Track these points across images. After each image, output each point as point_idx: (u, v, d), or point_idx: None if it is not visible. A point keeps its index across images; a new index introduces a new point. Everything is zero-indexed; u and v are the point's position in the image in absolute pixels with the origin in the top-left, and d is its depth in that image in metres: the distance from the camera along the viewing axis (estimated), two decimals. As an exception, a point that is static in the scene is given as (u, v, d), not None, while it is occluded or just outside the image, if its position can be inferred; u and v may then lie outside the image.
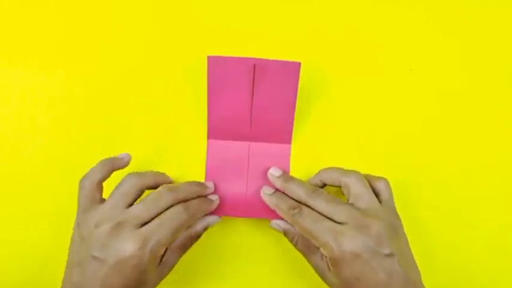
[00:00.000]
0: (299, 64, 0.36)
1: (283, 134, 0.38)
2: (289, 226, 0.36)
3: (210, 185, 0.37)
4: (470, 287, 0.39)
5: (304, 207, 0.34)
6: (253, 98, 0.37)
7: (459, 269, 0.39)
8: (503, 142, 0.40)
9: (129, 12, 0.40)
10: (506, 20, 0.41)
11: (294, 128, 0.38)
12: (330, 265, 0.33)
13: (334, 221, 0.32)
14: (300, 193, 0.35)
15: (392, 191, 0.35)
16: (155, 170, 0.37)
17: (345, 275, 0.32)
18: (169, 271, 0.34)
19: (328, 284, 0.34)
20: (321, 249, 0.33)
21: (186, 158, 0.39)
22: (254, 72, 0.36)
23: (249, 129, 0.38)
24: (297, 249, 0.36)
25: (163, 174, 0.36)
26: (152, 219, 0.31)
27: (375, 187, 0.35)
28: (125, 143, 0.39)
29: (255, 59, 0.36)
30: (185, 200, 0.34)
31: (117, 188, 0.33)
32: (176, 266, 0.35)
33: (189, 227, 0.35)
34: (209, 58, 0.35)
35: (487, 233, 0.40)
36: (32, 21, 0.40)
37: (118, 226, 0.30)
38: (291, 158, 0.39)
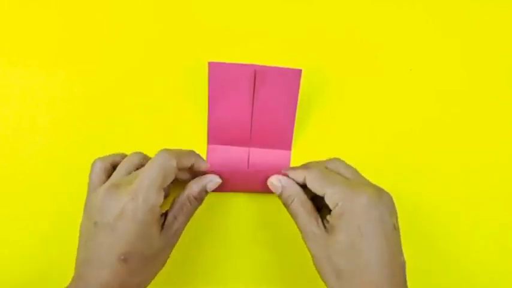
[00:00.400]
0: (300, 71, 0.36)
1: (283, 140, 0.38)
2: (290, 182, 0.35)
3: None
4: (470, 286, 0.39)
5: (299, 194, 0.34)
6: (253, 104, 0.37)
7: (459, 268, 0.39)
8: (503, 142, 0.40)
9: (129, 14, 0.40)
10: (506, 20, 0.41)
11: (294, 134, 0.38)
12: (331, 223, 0.31)
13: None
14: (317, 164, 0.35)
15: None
16: None
17: (349, 231, 0.30)
18: (177, 238, 0.33)
19: (317, 257, 0.32)
20: (329, 199, 0.31)
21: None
22: (255, 78, 0.36)
23: (249, 135, 0.38)
24: (289, 211, 0.34)
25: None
26: None
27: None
28: (125, 143, 0.39)
29: (255, 65, 0.36)
30: None
31: (119, 165, 0.33)
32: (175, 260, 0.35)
33: (181, 179, 0.35)
34: (210, 64, 0.35)
35: (487, 233, 0.40)
36: (32, 21, 0.40)
37: (111, 187, 0.31)
38: (291, 164, 0.39)
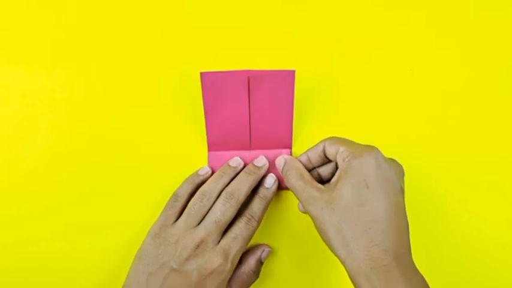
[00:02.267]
0: (293, 72, 0.36)
1: (283, 140, 0.38)
2: (292, 159, 0.36)
3: (260, 163, 0.37)
4: (472, 284, 0.39)
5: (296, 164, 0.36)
6: (250, 108, 0.37)
7: (461, 267, 0.39)
8: (504, 142, 0.40)
9: (130, 15, 0.40)
10: (506, 20, 0.41)
11: (293, 133, 0.38)
12: (335, 179, 0.31)
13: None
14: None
15: None
16: (155, 180, 0.38)
17: (354, 183, 0.30)
18: None
19: (320, 221, 0.31)
20: (340, 155, 0.32)
21: (187, 170, 0.38)
22: (249, 84, 0.36)
23: (248, 139, 0.38)
24: (289, 185, 0.34)
25: (224, 174, 0.36)
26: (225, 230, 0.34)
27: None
28: (125, 143, 0.39)
29: (248, 71, 0.36)
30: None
31: (189, 206, 0.35)
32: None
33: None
34: (202, 74, 0.35)
35: (487, 233, 0.40)
36: (32, 21, 0.40)
37: (200, 245, 0.33)
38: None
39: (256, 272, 0.36)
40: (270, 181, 0.37)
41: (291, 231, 0.39)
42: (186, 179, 0.37)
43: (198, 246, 0.33)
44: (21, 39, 0.40)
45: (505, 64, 0.41)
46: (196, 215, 0.34)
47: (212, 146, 0.38)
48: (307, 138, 0.40)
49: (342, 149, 0.32)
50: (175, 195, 0.36)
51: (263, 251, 0.37)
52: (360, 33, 0.41)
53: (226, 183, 0.36)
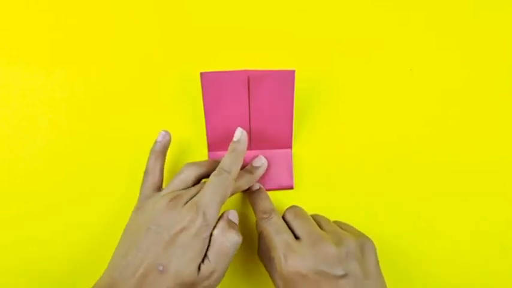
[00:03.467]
0: (293, 72, 0.36)
1: (283, 139, 0.38)
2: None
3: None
4: (472, 284, 0.39)
5: (274, 215, 0.34)
6: (250, 108, 0.37)
7: (461, 267, 0.39)
8: (504, 142, 0.40)
9: (130, 15, 0.40)
10: (506, 20, 0.41)
11: (293, 132, 0.38)
12: (280, 282, 0.32)
13: (295, 235, 0.33)
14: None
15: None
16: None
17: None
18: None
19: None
20: (275, 262, 0.32)
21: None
22: (249, 84, 0.36)
23: (248, 139, 0.38)
24: (259, 257, 0.36)
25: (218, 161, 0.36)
26: None
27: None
28: (125, 143, 0.39)
29: (248, 71, 0.36)
30: None
31: (175, 176, 0.34)
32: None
33: (233, 193, 0.35)
34: (202, 74, 0.35)
35: (487, 233, 0.40)
36: (32, 21, 0.40)
37: (173, 199, 0.32)
38: (293, 162, 0.39)
39: (230, 231, 0.33)
40: (260, 161, 0.38)
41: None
42: (150, 151, 0.36)
43: (171, 200, 0.32)
44: (21, 39, 0.40)
45: (505, 64, 0.41)
46: (183, 182, 0.34)
47: (212, 146, 0.38)
48: (307, 138, 0.40)
49: (274, 260, 0.32)
50: (145, 171, 0.36)
51: (228, 212, 0.35)
52: (360, 33, 0.41)
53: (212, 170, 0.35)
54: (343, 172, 0.40)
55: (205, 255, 0.31)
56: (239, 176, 0.35)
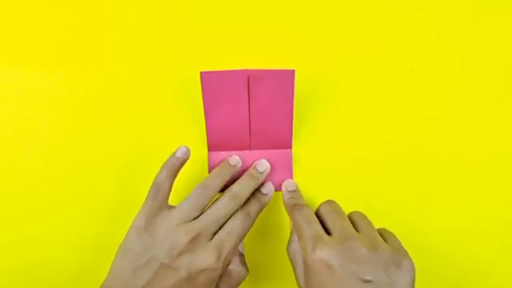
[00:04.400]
0: (293, 72, 0.36)
1: (283, 139, 0.38)
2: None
3: (262, 168, 0.37)
4: (472, 284, 0.39)
5: (306, 207, 0.34)
6: (250, 108, 0.37)
7: (461, 267, 0.39)
8: (504, 142, 0.40)
9: (130, 15, 0.40)
10: (506, 20, 0.41)
11: (293, 132, 0.38)
12: (303, 274, 0.32)
13: (326, 230, 0.32)
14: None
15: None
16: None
17: (313, 284, 0.30)
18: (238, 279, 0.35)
19: None
20: (301, 252, 0.32)
21: (188, 170, 0.38)
22: (249, 83, 0.36)
23: (248, 139, 0.38)
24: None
25: (225, 174, 0.36)
26: (220, 228, 0.33)
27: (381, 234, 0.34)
28: (125, 143, 0.39)
29: (248, 70, 0.35)
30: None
31: (187, 199, 0.34)
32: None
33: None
34: (202, 74, 0.35)
35: (487, 233, 0.40)
36: (32, 21, 0.40)
37: (195, 239, 0.32)
38: (293, 162, 0.39)
39: (241, 265, 0.34)
40: (268, 188, 0.37)
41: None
42: (164, 164, 0.34)
43: (192, 239, 0.31)
44: (21, 39, 0.40)
45: (505, 64, 0.41)
46: (195, 208, 0.33)
47: (212, 146, 0.38)
48: (307, 138, 0.40)
49: (301, 250, 0.32)
50: (155, 185, 0.33)
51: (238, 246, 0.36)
52: (360, 33, 0.41)
53: (226, 179, 0.35)
54: (343, 172, 0.40)
55: (217, 285, 0.33)
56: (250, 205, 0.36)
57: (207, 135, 0.38)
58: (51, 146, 0.39)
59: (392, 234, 0.34)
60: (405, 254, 0.31)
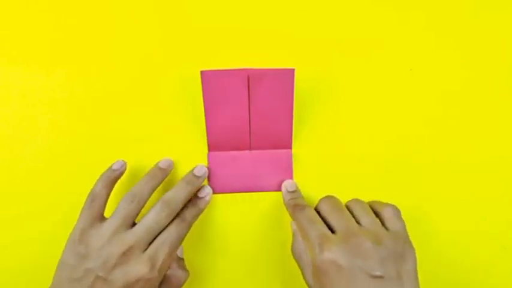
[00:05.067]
0: (293, 70, 0.36)
1: (283, 139, 0.38)
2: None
3: (200, 172, 0.37)
4: (472, 284, 0.39)
5: (308, 208, 0.34)
6: (250, 107, 0.37)
7: (460, 267, 0.39)
8: (504, 142, 0.40)
9: (129, 15, 0.40)
10: (506, 20, 0.41)
11: (293, 132, 0.38)
12: (312, 275, 0.32)
13: (330, 229, 0.32)
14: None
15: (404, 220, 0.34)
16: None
17: (323, 285, 0.30)
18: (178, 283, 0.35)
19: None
20: (308, 253, 0.32)
21: (187, 170, 0.38)
22: (249, 82, 0.36)
23: (248, 139, 0.38)
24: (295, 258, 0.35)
25: (154, 179, 0.36)
26: (155, 237, 0.33)
27: (380, 213, 0.34)
28: (125, 144, 0.39)
29: (248, 69, 0.36)
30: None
31: (117, 210, 0.33)
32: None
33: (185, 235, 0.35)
34: (202, 73, 0.35)
35: (487, 233, 0.40)
36: (32, 21, 0.40)
37: (128, 251, 0.31)
38: (293, 163, 0.39)
39: (180, 270, 0.35)
40: (205, 191, 0.37)
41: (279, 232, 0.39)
42: (101, 176, 0.35)
43: (124, 253, 0.31)
44: (21, 39, 0.40)
45: (505, 64, 0.41)
46: (125, 219, 0.33)
47: (212, 147, 0.38)
48: (307, 138, 0.40)
49: (307, 250, 0.32)
50: (91, 195, 0.34)
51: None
52: (360, 33, 0.41)
53: (156, 186, 0.35)
54: (343, 172, 0.40)
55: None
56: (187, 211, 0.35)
57: (207, 135, 0.38)
58: (51, 146, 0.39)
59: (387, 207, 0.34)
60: (406, 242, 0.32)
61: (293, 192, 0.38)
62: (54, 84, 0.39)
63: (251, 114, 0.37)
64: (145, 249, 0.32)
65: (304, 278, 0.33)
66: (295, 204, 0.35)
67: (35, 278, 0.38)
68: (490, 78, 0.41)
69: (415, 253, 0.32)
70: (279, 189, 0.39)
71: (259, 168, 0.38)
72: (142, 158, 0.39)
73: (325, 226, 0.32)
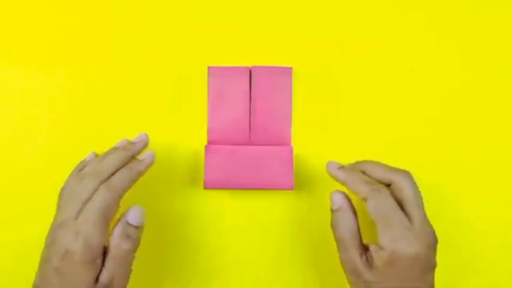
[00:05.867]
0: (290, 69, 0.38)
1: (282, 135, 0.39)
2: (348, 207, 0.33)
3: (138, 139, 0.35)
4: (472, 284, 0.39)
5: (383, 188, 0.32)
6: (251, 103, 0.38)
7: (461, 267, 0.39)
8: (504, 142, 0.40)
9: (130, 15, 0.40)
10: (506, 20, 0.41)
11: (293, 131, 0.38)
12: (376, 264, 0.31)
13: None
14: (378, 172, 0.34)
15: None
16: (155, 180, 0.38)
17: (393, 278, 0.30)
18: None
19: (356, 276, 0.32)
20: (379, 240, 0.31)
21: (188, 169, 0.38)
22: (250, 79, 0.38)
23: (248, 134, 0.38)
24: (335, 233, 0.33)
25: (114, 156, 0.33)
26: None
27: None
28: (125, 143, 0.39)
29: (250, 66, 0.38)
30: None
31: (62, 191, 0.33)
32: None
33: (118, 203, 0.32)
34: (209, 68, 0.37)
35: (487, 232, 0.40)
36: (31, 21, 0.40)
37: (61, 224, 0.30)
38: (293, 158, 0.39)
39: (123, 237, 0.31)
40: (147, 154, 0.34)
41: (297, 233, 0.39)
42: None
43: (59, 226, 0.30)
44: (21, 39, 0.40)
45: (505, 64, 0.41)
46: (69, 204, 0.31)
47: (212, 141, 0.38)
48: (307, 137, 0.40)
49: (380, 238, 0.31)
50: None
51: (126, 215, 0.32)
52: (360, 33, 0.41)
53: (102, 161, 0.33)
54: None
55: (103, 263, 0.30)
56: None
57: (208, 129, 0.38)
58: (51, 146, 0.39)
59: (402, 176, 0.33)
60: (429, 225, 0.33)
61: (347, 169, 0.35)
62: (54, 84, 0.39)
63: (252, 110, 0.38)
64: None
65: (345, 261, 0.32)
66: (368, 183, 0.33)
67: (32, 278, 0.38)
68: (490, 78, 0.41)
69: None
70: (277, 187, 0.38)
71: (259, 163, 0.38)
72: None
73: (402, 212, 0.32)
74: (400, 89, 0.40)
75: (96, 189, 0.31)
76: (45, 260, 0.31)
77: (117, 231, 0.31)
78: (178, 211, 0.39)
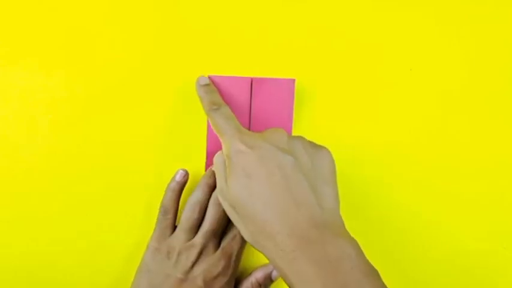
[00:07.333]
0: (293, 81, 0.38)
1: None
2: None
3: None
4: (472, 284, 0.39)
5: (224, 107, 0.34)
6: (251, 113, 0.38)
7: (460, 267, 0.39)
8: (504, 142, 0.40)
9: (130, 16, 0.40)
10: (506, 20, 0.41)
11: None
12: (224, 170, 0.31)
13: None
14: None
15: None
16: (155, 180, 0.39)
17: (236, 173, 0.30)
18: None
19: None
20: (223, 148, 0.32)
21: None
22: (251, 90, 0.37)
23: None
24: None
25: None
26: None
27: None
28: (125, 144, 0.39)
29: (251, 77, 0.37)
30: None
31: (183, 219, 0.36)
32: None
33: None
34: (210, 78, 0.37)
35: (487, 232, 0.40)
36: (31, 21, 0.40)
37: (203, 250, 0.35)
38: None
39: (262, 285, 0.37)
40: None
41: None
42: (168, 188, 0.37)
43: (200, 253, 0.34)
44: (21, 39, 0.40)
45: (505, 64, 0.41)
46: (192, 228, 0.35)
47: (211, 151, 0.38)
48: (307, 137, 0.40)
49: (223, 145, 0.32)
50: (163, 208, 0.36)
51: (274, 269, 0.37)
52: (359, 33, 0.41)
53: (213, 186, 0.36)
54: (343, 173, 0.39)
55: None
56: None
57: (207, 138, 0.38)
58: (51, 146, 0.39)
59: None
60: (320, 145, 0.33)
61: (206, 85, 0.36)
62: (54, 84, 0.39)
63: (252, 120, 0.38)
64: (219, 244, 0.36)
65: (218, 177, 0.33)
66: (211, 102, 0.35)
67: (35, 278, 0.38)
68: (490, 78, 0.41)
69: (331, 154, 0.32)
70: None
71: None
72: (142, 158, 0.39)
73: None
74: (400, 89, 0.40)
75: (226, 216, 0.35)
76: (184, 280, 0.34)
77: (262, 278, 0.37)
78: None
